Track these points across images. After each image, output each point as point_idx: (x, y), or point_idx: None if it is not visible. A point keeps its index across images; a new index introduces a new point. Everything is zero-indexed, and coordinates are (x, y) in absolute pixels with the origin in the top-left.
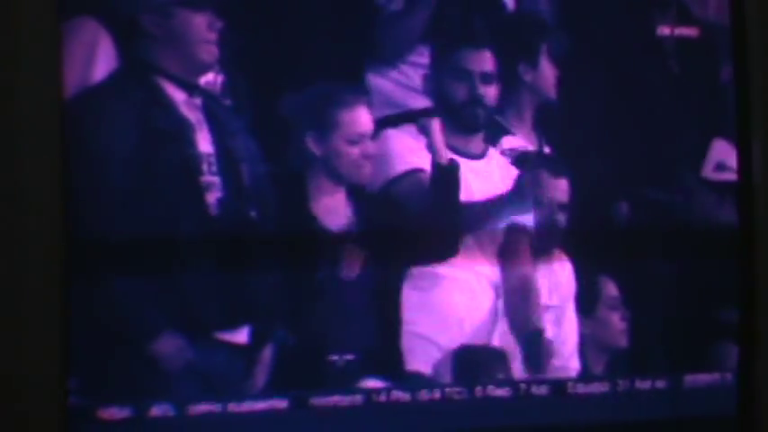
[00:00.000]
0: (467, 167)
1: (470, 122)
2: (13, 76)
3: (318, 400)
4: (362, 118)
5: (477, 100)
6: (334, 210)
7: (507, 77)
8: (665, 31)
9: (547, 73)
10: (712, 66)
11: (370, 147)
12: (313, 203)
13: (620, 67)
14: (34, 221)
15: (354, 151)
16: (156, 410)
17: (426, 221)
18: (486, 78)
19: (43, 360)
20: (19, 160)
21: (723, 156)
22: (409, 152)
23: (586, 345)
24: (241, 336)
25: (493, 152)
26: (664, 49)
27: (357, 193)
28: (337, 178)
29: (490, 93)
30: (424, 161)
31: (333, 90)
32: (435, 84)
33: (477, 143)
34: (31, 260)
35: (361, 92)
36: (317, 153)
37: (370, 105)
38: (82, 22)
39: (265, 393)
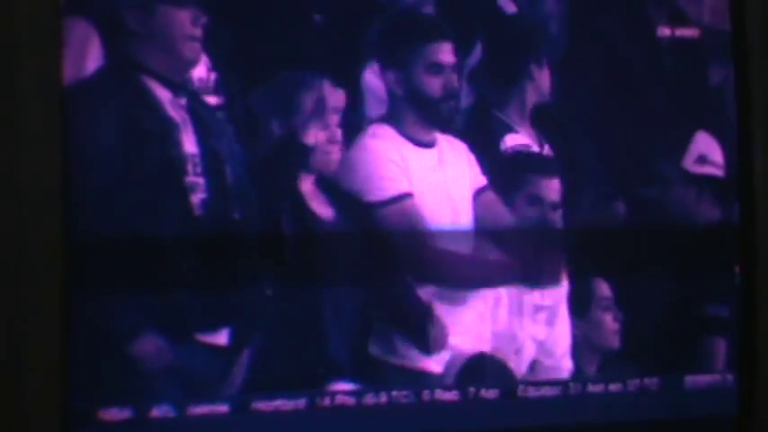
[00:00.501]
0: (421, 157)
1: (447, 116)
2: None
3: (309, 401)
4: (325, 102)
5: (452, 93)
6: (314, 208)
7: (509, 76)
8: (659, 31)
9: (544, 72)
10: (702, 63)
11: (338, 133)
12: (295, 202)
13: (613, 67)
14: (33, 222)
15: (321, 136)
16: (157, 411)
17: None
18: (455, 70)
19: (43, 361)
20: (18, 160)
21: (705, 150)
22: (393, 168)
23: (581, 345)
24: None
25: (441, 140)
26: (656, 47)
27: (330, 187)
28: (305, 166)
29: (458, 85)
30: (410, 183)
31: (297, 75)
32: (406, 80)
33: (431, 134)
34: (30, 262)
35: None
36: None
37: (333, 93)
38: (73, 20)
39: (259, 394)
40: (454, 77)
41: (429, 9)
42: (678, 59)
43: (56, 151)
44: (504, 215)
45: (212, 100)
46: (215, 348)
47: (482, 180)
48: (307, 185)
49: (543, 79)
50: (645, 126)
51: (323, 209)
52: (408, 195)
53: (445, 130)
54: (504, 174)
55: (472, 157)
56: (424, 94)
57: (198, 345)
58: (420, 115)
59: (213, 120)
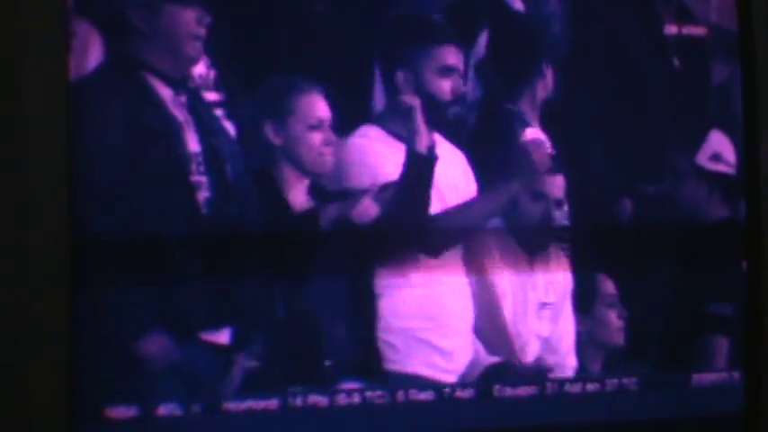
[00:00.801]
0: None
1: (452, 120)
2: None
3: (306, 400)
4: (320, 104)
5: (460, 98)
6: (313, 208)
7: (519, 72)
8: (667, 29)
9: (554, 70)
10: (712, 62)
11: (332, 135)
12: (292, 202)
13: (621, 65)
14: (38, 222)
15: (316, 137)
16: (163, 409)
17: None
18: (463, 74)
19: (49, 360)
20: (21, 160)
21: (719, 148)
22: (387, 159)
23: (584, 343)
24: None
25: (439, 140)
26: (665, 46)
27: (329, 190)
28: (300, 167)
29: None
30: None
31: (287, 79)
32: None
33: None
34: (35, 260)
35: (316, 80)
36: (277, 143)
37: (326, 95)
38: (77, 17)
39: (258, 393)
40: (462, 81)
41: (439, 9)
42: (689, 57)
43: (60, 150)
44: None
45: (212, 97)
46: (219, 347)
47: (474, 187)
48: (302, 187)
49: (553, 76)
50: (653, 123)
51: (316, 207)
52: (397, 184)
53: (448, 134)
54: (511, 169)
55: (468, 167)
56: (433, 96)
57: (202, 343)
58: (424, 116)
59: (212, 117)
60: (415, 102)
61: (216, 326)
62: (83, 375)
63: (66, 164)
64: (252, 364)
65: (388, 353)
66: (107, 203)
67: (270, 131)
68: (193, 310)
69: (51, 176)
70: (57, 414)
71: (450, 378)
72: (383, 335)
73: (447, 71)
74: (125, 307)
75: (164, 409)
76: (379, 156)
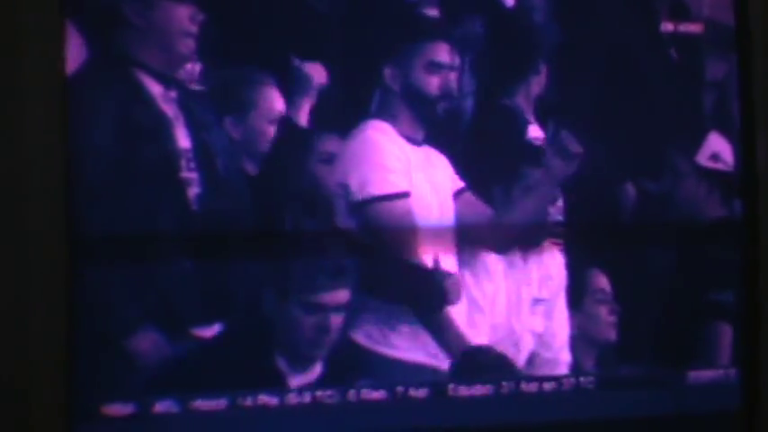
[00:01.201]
0: (414, 155)
1: (440, 117)
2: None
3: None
4: (277, 97)
5: (448, 94)
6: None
7: (515, 69)
8: (664, 26)
9: (548, 67)
10: (710, 61)
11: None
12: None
13: (619, 62)
14: (36, 219)
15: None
16: (160, 407)
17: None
18: (454, 70)
19: (46, 357)
20: (16, 160)
21: (718, 148)
22: (397, 164)
23: (578, 339)
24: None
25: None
26: (663, 44)
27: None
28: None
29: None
30: (409, 181)
31: (244, 71)
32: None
33: (421, 132)
34: (32, 257)
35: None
36: (236, 136)
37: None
38: (71, 14)
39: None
40: (452, 78)
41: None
42: (686, 54)
43: (54, 149)
44: (486, 212)
45: (201, 91)
46: (212, 342)
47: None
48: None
49: (547, 73)
50: (649, 120)
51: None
52: (407, 194)
53: (436, 130)
54: (510, 164)
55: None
56: (420, 92)
57: (196, 339)
58: (414, 113)
59: (203, 112)
60: None
61: (209, 321)
62: (80, 373)
63: (63, 162)
64: (245, 358)
65: (385, 338)
66: (100, 200)
67: (228, 125)
68: (188, 307)
69: (48, 175)
70: (54, 411)
71: (444, 365)
72: (374, 325)
73: (436, 67)
74: (121, 305)
75: (160, 407)
76: (390, 152)
